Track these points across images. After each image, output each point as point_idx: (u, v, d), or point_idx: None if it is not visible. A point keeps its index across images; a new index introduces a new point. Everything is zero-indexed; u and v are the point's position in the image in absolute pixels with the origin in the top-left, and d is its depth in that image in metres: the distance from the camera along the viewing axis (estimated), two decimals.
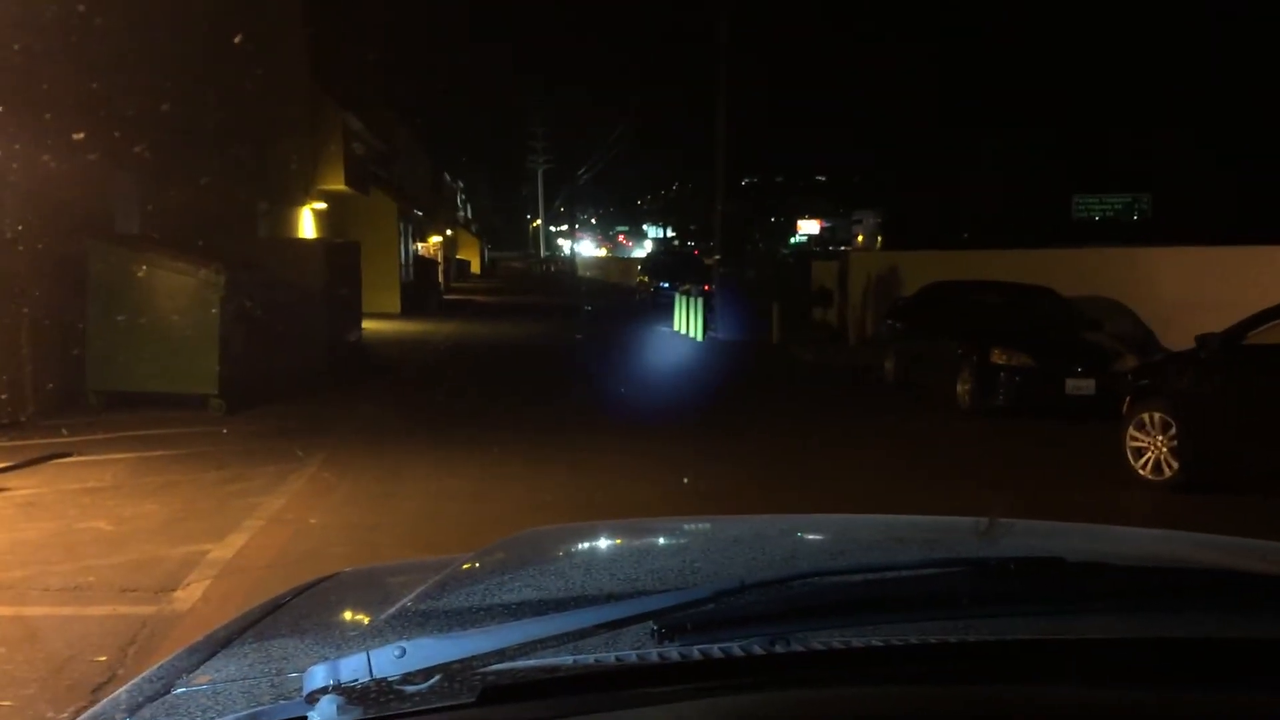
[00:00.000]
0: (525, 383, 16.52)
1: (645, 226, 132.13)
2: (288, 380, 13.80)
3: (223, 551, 6.65)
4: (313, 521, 7.50)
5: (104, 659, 4.87)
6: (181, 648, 1.51)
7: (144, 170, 14.45)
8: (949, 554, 1.70)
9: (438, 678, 1.10)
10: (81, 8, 11.74)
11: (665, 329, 26.77)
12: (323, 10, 26.25)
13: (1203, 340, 8.85)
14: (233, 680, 1.34)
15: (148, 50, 14.06)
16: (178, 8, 15.10)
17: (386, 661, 1.12)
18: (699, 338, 24.39)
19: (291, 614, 1.67)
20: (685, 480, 9.14)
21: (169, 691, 1.34)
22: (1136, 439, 9.30)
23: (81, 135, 11.76)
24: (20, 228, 11.14)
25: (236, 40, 17.63)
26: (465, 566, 1.81)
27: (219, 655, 1.44)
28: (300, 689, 1.13)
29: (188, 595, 5.81)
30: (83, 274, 11.77)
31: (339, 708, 1.09)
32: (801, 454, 10.82)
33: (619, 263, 72.68)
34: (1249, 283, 12.11)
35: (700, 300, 25.03)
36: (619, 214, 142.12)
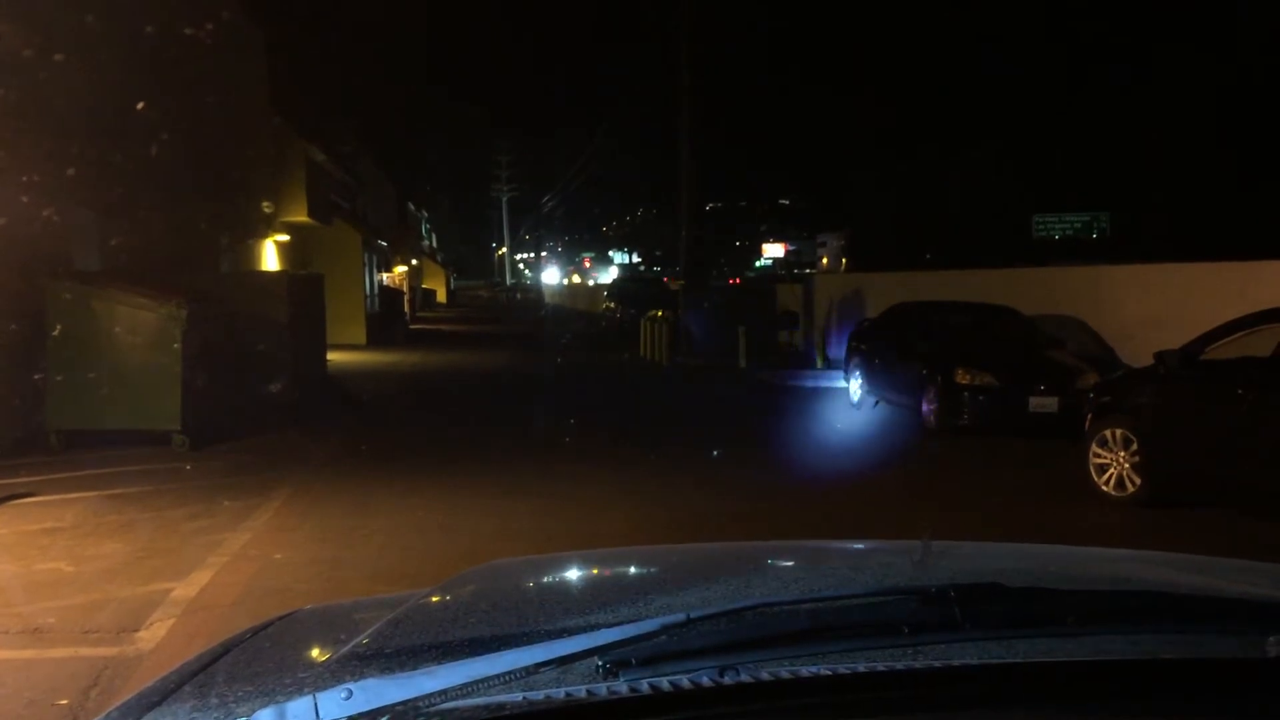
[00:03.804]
0: (491, 412, 16.48)
1: (611, 252, 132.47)
2: (252, 414, 13.71)
3: (186, 590, 6.57)
4: (278, 557, 7.42)
5: (65, 702, 4.80)
6: (132, 694, 1.50)
7: (103, 205, 14.36)
8: (898, 579, 1.71)
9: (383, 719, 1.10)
10: (38, 43, 11.69)
11: (632, 355, 26.78)
12: (284, 43, 26.24)
13: (1161, 356, 8.96)
14: None
15: (106, 85, 13.99)
16: (137, 41, 15.04)
17: (333, 705, 1.12)
18: (665, 363, 24.43)
19: (244, 655, 1.66)
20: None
21: None
22: (1099, 455, 9.38)
23: (39, 172, 11.68)
24: None
25: (196, 73, 17.59)
26: (420, 603, 1.81)
27: (169, 700, 1.43)
28: None
29: (151, 635, 5.74)
30: (41, 311, 11.65)
31: None
32: (768, 478, 10.83)
33: (585, 289, 72.73)
34: (1206, 299, 12.28)
35: (666, 326, 25.08)
36: (585, 240, 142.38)
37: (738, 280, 51.90)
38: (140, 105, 14.29)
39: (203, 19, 16.94)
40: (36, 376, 11.56)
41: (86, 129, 13.45)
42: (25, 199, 11.47)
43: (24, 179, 11.51)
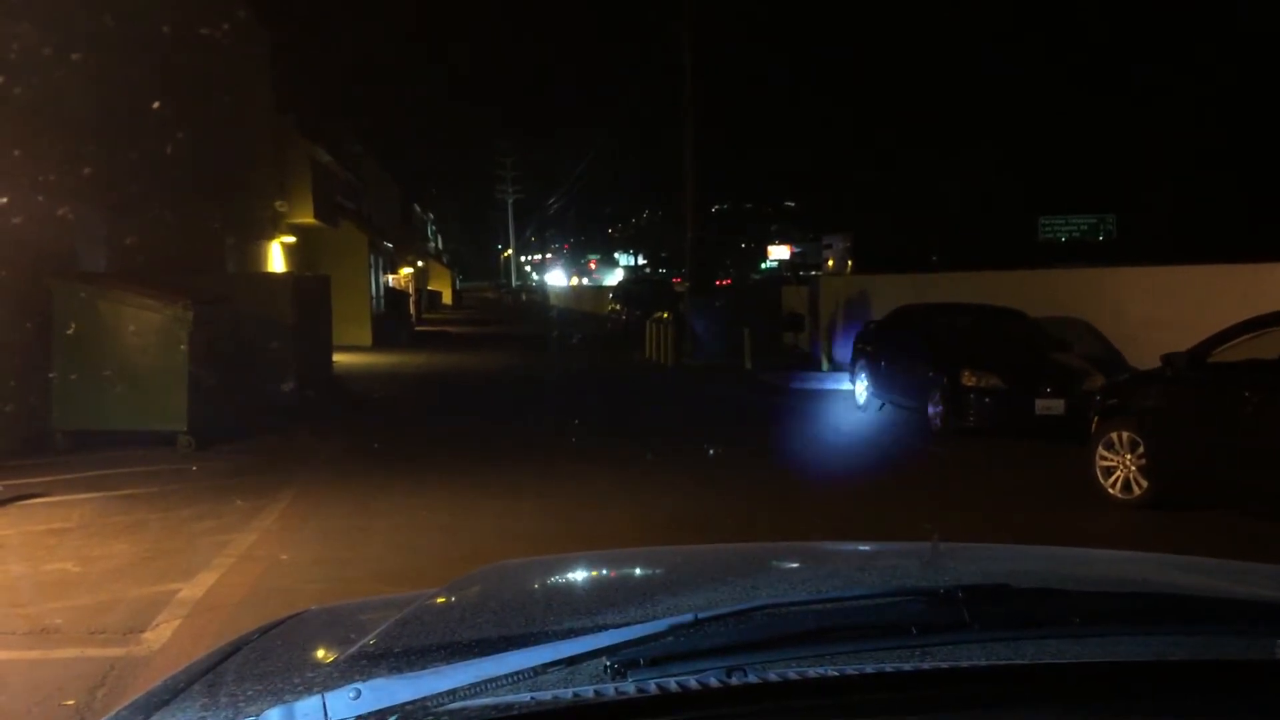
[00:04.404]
0: (495, 414, 16.48)
1: (616, 254, 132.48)
2: (258, 415, 13.73)
3: (193, 590, 6.58)
4: (284, 558, 7.44)
5: (72, 703, 4.81)
6: (141, 693, 1.50)
7: (110, 207, 14.39)
8: (905, 580, 1.71)
9: (392, 719, 1.10)
10: (44, 44, 11.72)
11: (637, 357, 26.78)
12: (290, 44, 26.31)
13: (1169, 359, 8.93)
14: None
15: (114, 88, 14.03)
16: (144, 43, 15.08)
17: (342, 704, 1.13)
18: (671, 364, 24.42)
19: (253, 655, 1.67)
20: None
21: None
22: (1105, 458, 9.37)
23: (46, 172, 11.70)
24: None
25: (202, 74, 17.63)
26: (428, 603, 1.81)
27: (177, 699, 1.44)
28: None
29: (157, 636, 5.75)
30: (48, 312, 11.68)
31: None
32: (774, 479, 10.83)
33: (591, 291, 72.76)
34: (1213, 302, 12.25)
35: (671, 327, 25.07)
36: (590, 242, 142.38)
37: (729, 281, 51.81)
38: (147, 106, 14.32)
39: (210, 21, 16.98)
40: (51, 376, 11.58)
41: (93, 129, 13.48)
42: (33, 199, 11.49)
43: (31, 179, 11.54)
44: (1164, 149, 53.11)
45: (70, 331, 11.61)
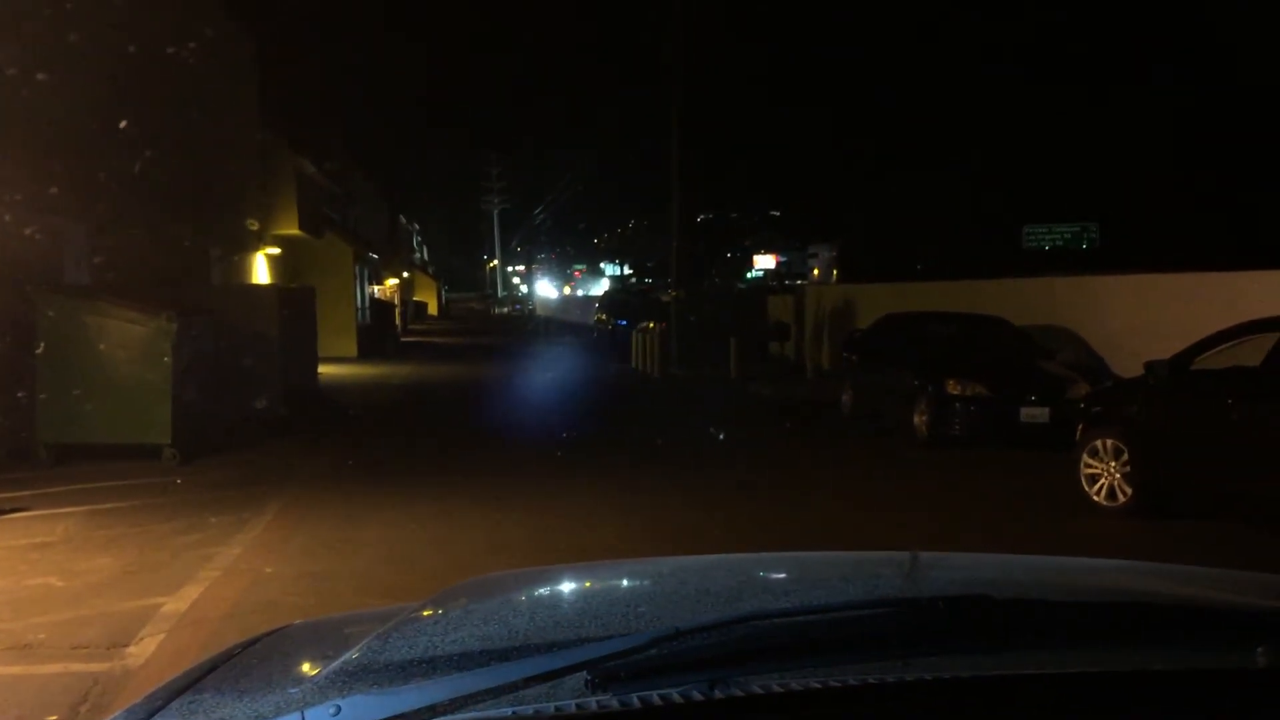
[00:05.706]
0: (482, 426, 16.43)
1: (602, 264, 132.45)
2: (243, 428, 13.67)
3: (177, 604, 6.55)
4: (269, 571, 7.40)
5: (54, 718, 4.77)
6: (120, 710, 1.49)
7: (93, 219, 14.33)
8: (888, 591, 1.71)
9: None
10: (28, 59, 11.69)
11: (623, 367, 26.78)
12: (275, 56, 26.28)
13: (1151, 367, 8.98)
14: None
15: (96, 100, 13.98)
16: (127, 56, 15.03)
17: None
18: (657, 374, 24.41)
19: (234, 671, 1.66)
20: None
21: None
22: (1090, 466, 9.40)
23: (29, 187, 11.66)
24: None
25: (187, 88, 17.58)
26: (410, 617, 1.80)
27: (156, 716, 1.43)
28: None
29: (141, 650, 5.71)
30: (31, 325, 11.61)
31: None
32: (760, 489, 10.83)
33: (578, 301, 72.73)
34: (1195, 309, 12.32)
35: (657, 337, 25.07)
36: (576, 252, 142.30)
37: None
38: (130, 120, 14.28)
39: (192, 34, 16.94)
40: (20, 395, 11.50)
41: (77, 144, 13.44)
42: (16, 214, 11.44)
43: (14, 195, 11.49)
44: (1146, 157, 53.32)
45: (54, 344, 11.54)
